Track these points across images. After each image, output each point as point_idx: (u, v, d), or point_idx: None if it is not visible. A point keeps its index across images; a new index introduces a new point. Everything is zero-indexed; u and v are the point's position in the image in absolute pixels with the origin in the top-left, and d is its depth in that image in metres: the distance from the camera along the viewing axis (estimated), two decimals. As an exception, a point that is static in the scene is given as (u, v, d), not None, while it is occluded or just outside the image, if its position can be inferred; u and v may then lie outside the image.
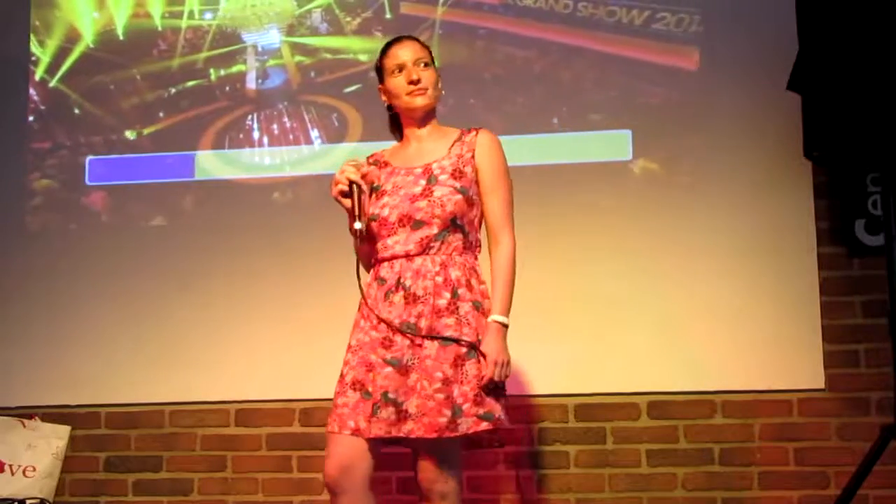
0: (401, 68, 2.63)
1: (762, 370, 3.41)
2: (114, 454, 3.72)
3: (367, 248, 2.66)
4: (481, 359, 2.50)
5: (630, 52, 3.61)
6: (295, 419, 3.63)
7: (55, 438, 3.71)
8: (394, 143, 2.78)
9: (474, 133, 2.68)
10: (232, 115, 3.84)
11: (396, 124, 2.76)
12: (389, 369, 2.50)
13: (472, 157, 2.64)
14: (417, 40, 2.71)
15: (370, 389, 2.50)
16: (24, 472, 3.66)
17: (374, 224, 2.59)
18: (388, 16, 3.76)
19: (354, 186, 2.55)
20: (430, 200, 2.56)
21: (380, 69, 2.71)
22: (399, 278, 2.54)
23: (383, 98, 2.71)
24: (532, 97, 3.66)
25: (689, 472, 3.42)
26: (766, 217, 3.47)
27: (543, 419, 3.50)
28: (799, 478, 3.37)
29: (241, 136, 3.82)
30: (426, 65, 2.65)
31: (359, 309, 2.62)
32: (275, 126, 3.81)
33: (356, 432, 2.48)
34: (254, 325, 3.67)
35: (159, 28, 3.91)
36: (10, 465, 3.66)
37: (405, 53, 2.65)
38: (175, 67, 3.89)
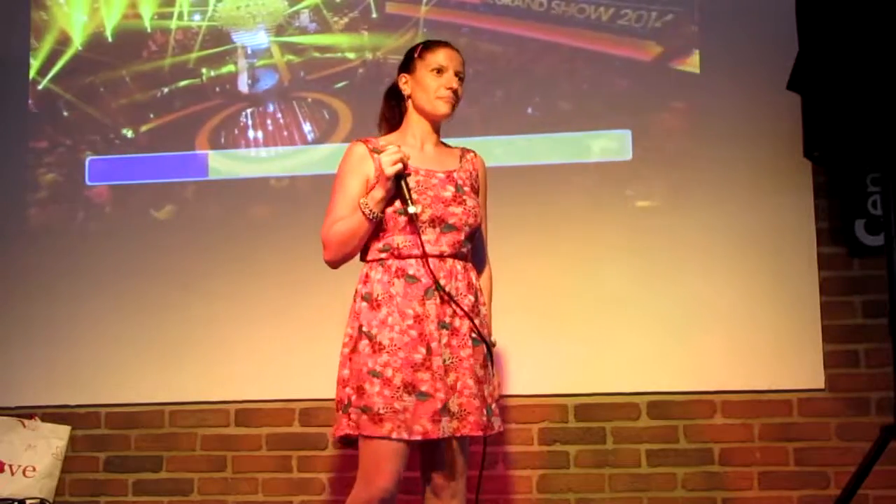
0: (441, 70, 2.62)
1: (762, 370, 3.41)
2: (114, 454, 3.72)
3: (363, 239, 2.57)
4: (493, 376, 2.60)
5: (630, 52, 3.64)
6: (295, 419, 3.63)
7: (55, 438, 3.71)
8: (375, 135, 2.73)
9: (473, 154, 2.74)
10: (227, 114, 3.84)
11: (391, 117, 2.72)
12: (443, 370, 2.48)
13: (477, 176, 2.70)
14: (460, 52, 2.69)
15: (424, 389, 2.45)
16: (24, 472, 3.66)
17: (399, 217, 2.54)
18: (374, 15, 3.79)
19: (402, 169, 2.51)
20: (465, 208, 2.58)
21: (411, 59, 2.67)
22: (434, 278, 2.52)
23: (405, 87, 2.67)
24: (523, 93, 3.68)
25: (689, 472, 3.42)
26: (766, 217, 3.48)
27: (543, 419, 3.50)
28: (799, 478, 3.37)
29: (238, 135, 3.83)
30: (461, 79, 2.67)
31: (373, 305, 2.53)
32: (270, 125, 3.82)
33: (425, 436, 2.44)
34: (254, 325, 3.67)
35: (149, 30, 3.92)
36: (10, 465, 3.66)
37: (451, 60, 2.65)
38: (167, 68, 3.89)
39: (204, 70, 3.88)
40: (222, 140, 3.83)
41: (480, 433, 2.49)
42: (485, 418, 2.50)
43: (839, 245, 3.45)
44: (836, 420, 3.38)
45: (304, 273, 3.60)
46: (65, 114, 3.93)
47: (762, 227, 3.47)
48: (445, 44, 2.69)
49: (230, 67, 3.87)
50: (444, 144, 2.73)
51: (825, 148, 3.00)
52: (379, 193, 2.50)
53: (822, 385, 3.40)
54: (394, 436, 2.41)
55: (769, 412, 3.41)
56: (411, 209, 2.48)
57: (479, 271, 2.71)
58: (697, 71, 3.59)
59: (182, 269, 3.75)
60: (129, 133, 3.88)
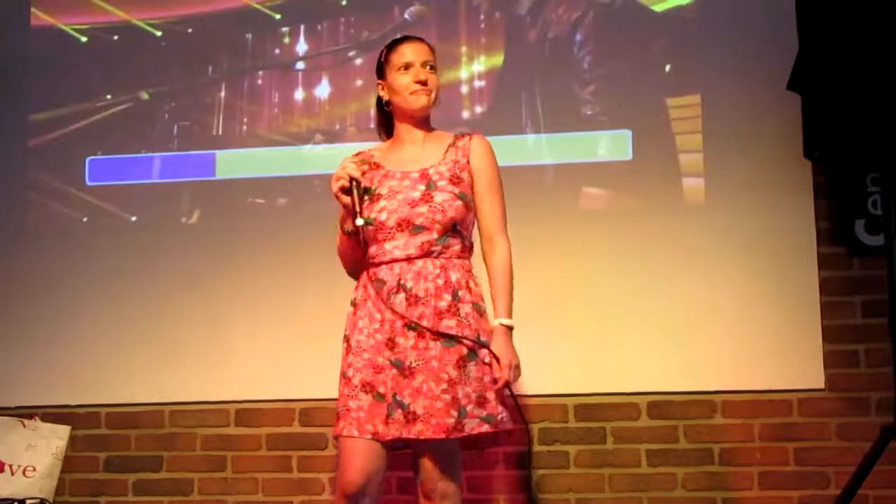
0: (407, 67, 2.62)
1: (762, 370, 3.41)
2: (114, 454, 3.72)
3: (356, 250, 2.63)
4: (494, 363, 2.53)
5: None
6: (295, 419, 3.63)
7: (55, 438, 3.71)
8: (378, 143, 2.77)
9: (468, 138, 2.69)
10: (226, 113, 3.84)
11: (386, 123, 2.74)
12: (394, 371, 2.50)
13: (468, 161, 2.64)
14: (425, 42, 2.69)
15: (381, 391, 2.49)
16: (24, 472, 3.66)
17: (369, 228, 2.57)
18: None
19: (354, 183, 2.53)
20: (430, 206, 2.56)
21: (380, 65, 2.68)
22: (399, 280, 2.54)
23: (382, 94, 2.69)
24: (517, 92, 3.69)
25: (689, 472, 3.42)
26: (766, 217, 3.47)
27: (543, 419, 3.50)
28: (799, 478, 3.37)
29: (237, 134, 3.82)
30: (432, 68, 2.65)
31: (354, 310, 2.60)
32: (270, 124, 3.82)
33: (376, 436, 2.48)
34: (254, 326, 3.67)
35: (148, 30, 3.92)
36: (10, 465, 3.66)
37: (415, 53, 2.63)
38: (169, 68, 3.90)
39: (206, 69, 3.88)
40: (222, 139, 3.83)
41: (443, 436, 2.46)
42: (452, 420, 2.46)
43: (839, 245, 3.45)
44: (836, 420, 3.38)
45: (305, 273, 3.61)
46: (73, 112, 3.92)
47: (762, 227, 3.47)
48: (407, 38, 2.69)
49: (228, 68, 3.86)
50: (438, 135, 2.70)
51: (825, 148, 3.00)
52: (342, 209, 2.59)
53: (822, 385, 3.40)
54: (344, 433, 2.49)
55: (769, 412, 3.41)
56: (358, 221, 2.52)
57: (487, 256, 2.65)
58: (695, 70, 3.59)
59: (182, 269, 3.75)
60: (128, 132, 3.88)
